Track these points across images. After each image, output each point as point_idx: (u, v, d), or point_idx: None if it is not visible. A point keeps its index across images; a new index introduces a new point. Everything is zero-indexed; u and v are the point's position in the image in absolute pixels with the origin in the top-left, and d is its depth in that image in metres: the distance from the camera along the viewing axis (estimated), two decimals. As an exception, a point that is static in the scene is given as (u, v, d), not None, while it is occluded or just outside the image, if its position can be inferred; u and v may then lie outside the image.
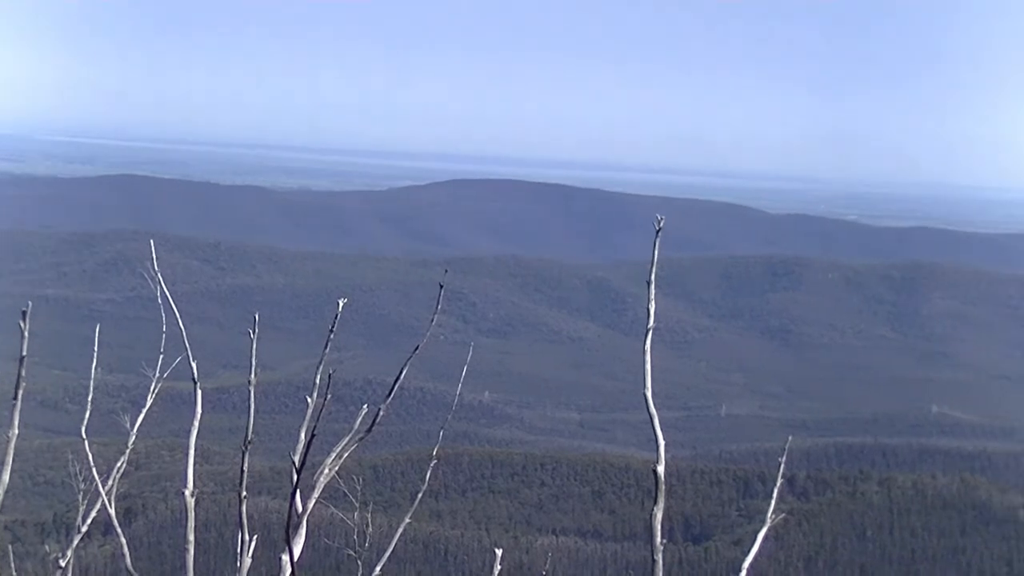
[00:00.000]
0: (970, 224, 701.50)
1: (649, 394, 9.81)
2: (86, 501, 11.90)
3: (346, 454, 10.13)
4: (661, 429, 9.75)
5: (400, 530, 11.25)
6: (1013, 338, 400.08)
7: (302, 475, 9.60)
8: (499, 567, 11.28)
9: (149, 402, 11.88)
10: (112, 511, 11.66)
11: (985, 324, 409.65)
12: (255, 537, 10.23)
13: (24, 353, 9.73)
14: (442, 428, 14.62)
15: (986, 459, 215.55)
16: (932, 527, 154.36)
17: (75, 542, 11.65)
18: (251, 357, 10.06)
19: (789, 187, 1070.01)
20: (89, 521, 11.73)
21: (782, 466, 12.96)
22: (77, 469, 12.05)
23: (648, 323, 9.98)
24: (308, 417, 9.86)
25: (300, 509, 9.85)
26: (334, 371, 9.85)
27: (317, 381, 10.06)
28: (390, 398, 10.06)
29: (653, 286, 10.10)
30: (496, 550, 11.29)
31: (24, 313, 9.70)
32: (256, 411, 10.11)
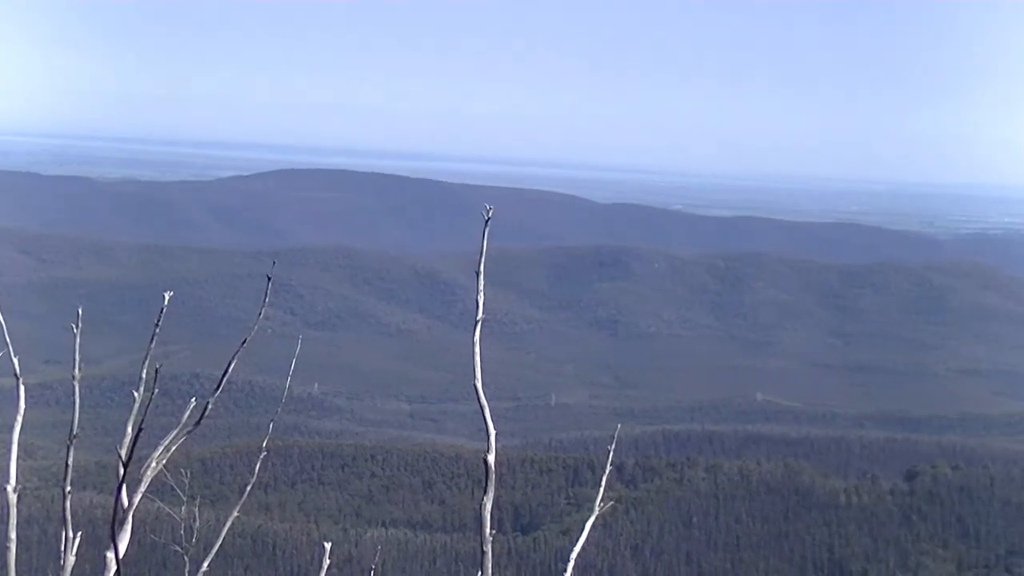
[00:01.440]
0: (793, 213, 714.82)
1: (479, 385, 9.82)
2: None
3: (173, 448, 9.99)
4: (491, 419, 9.77)
5: (228, 524, 11.12)
6: (833, 326, 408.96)
7: (128, 469, 9.45)
8: (328, 560, 11.21)
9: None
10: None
11: (807, 312, 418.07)
12: (79, 534, 10.03)
13: None
14: (271, 421, 14.52)
15: (809, 445, 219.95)
16: (757, 513, 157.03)
17: None
18: (75, 352, 9.87)
19: (617, 177, 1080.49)
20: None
21: (611, 454, 13.07)
22: None
23: (478, 314, 9.99)
24: (134, 411, 9.70)
25: (126, 504, 9.69)
26: (161, 365, 9.71)
27: (143, 375, 9.90)
28: (218, 392, 9.93)
29: (482, 277, 10.11)
30: (325, 543, 11.22)
31: None
32: (81, 406, 9.93)
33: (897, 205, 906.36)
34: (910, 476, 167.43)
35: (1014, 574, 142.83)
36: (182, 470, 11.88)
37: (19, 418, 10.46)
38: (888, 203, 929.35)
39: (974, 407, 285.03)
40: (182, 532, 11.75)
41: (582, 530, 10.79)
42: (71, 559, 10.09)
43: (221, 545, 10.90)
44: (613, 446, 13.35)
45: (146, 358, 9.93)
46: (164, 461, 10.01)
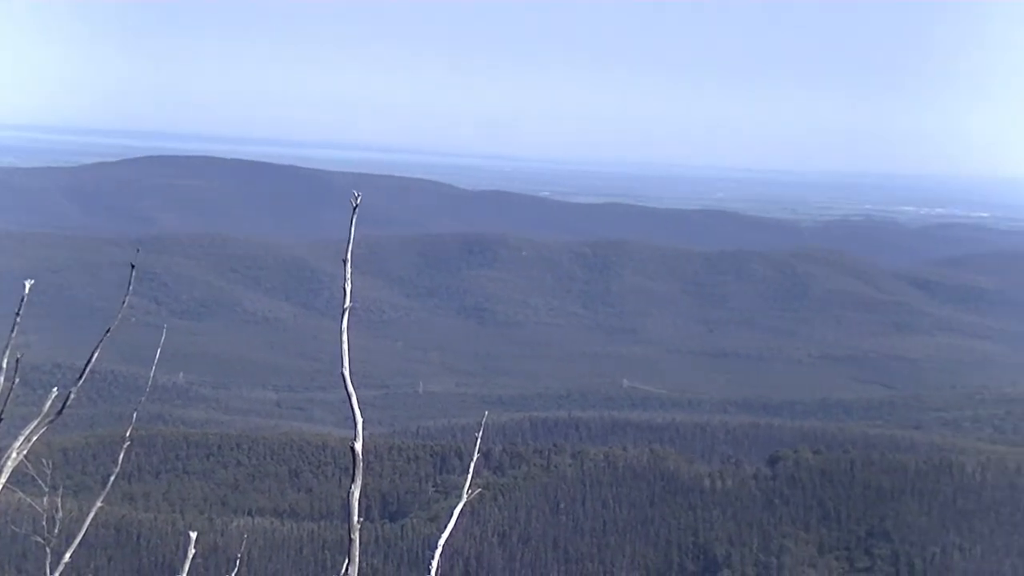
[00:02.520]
0: (659, 201, 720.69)
1: (347, 373, 9.81)
2: None
3: (35, 438, 9.86)
4: (359, 407, 9.76)
5: (91, 514, 11.00)
6: (697, 313, 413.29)
7: (-12, 461, 9.31)
8: (193, 550, 11.13)
9: None
10: None
11: (672, 299, 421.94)
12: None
13: None
14: (135, 410, 14.37)
15: (674, 430, 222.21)
16: (623, 498, 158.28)
17: None
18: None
19: (484, 164, 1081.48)
20: None
21: (478, 441, 13.12)
22: None
23: (345, 302, 9.98)
24: (-6, 401, 9.56)
25: (-14, 496, 9.55)
26: (22, 355, 9.58)
27: (4, 365, 9.76)
28: (81, 381, 9.82)
29: (349, 264, 10.09)
30: (190, 533, 11.14)
31: None
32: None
33: (760, 192, 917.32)
34: (772, 461, 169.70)
35: (874, 556, 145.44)
36: (44, 460, 11.69)
37: None
38: (752, 190, 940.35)
39: (834, 392, 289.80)
40: (44, 523, 11.57)
41: (450, 517, 10.82)
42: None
43: (84, 536, 10.79)
44: (480, 433, 13.42)
45: (6, 348, 9.79)
46: (25, 451, 9.88)
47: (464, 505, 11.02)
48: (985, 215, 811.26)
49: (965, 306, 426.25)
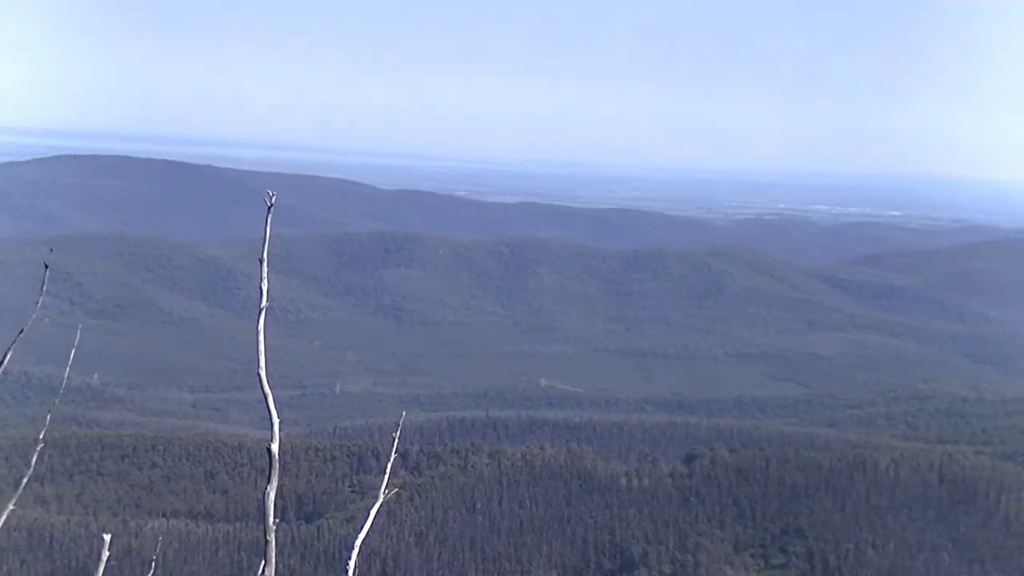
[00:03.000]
0: (575, 200, 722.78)
1: (263, 373, 9.77)
2: None
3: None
4: (275, 408, 9.73)
5: (2, 518, 10.88)
6: (614, 312, 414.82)
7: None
8: (107, 553, 11.04)
9: None
10: None
11: (589, 298, 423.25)
12: None
13: None
14: (48, 412, 14.22)
15: (591, 429, 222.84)
16: (540, 497, 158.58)
17: None
18: None
19: (400, 163, 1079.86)
20: None
21: (395, 441, 13.09)
22: None
23: (261, 302, 9.94)
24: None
25: None
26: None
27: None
28: (-8, 382, 9.73)
29: (266, 264, 10.06)
30: (104, 535, 11.04)
31: None
32: None
33: (676, 191, 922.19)
34: (689, 459, 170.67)
35: (789, 553, 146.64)
36: (-45, 464, 11.55)
37: None
38: (668, 190, 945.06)
39: (750, 390, 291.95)
40: (-45, 528, 11.42)
41: (366, 517, 10.80)
42: None
43: (-4, 540, 10.68)
44: (398, 433, 13.39)
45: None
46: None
47: (381, 505, 11.01)
48: (897, 214, 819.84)
49: (878, 303, 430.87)
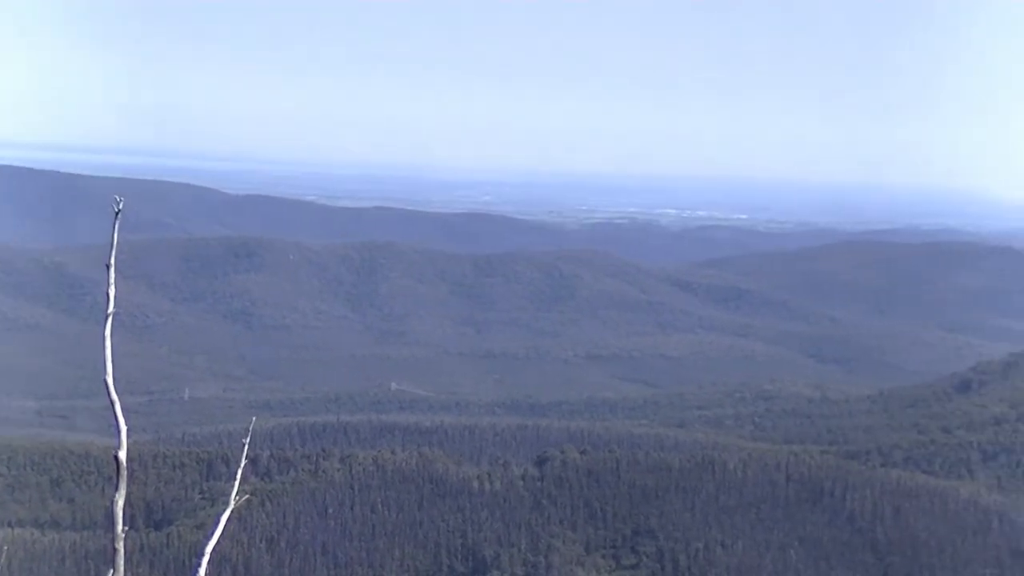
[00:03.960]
0: (426, 204, 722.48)
1: (110, 380, 9.69)
2: None
3: None
4: (123, 414, 9.65)
5: None
6: (465, 315, 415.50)
7: None
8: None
9: None
10: None
11: (440, 302, 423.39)
12: None
13: None
14: None
15: (443, 433, 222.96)
16: (392, 501, 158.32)
17: None
18: None
19: (247, 168, 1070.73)
20: None
21: (246, 447, 13.05)
22: None
23: (108, 308, 9.86)
24: None
25: None
26: None
27: None
28: None
29: (112, 270, 9.97)
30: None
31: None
32: None
33: (527, 195, 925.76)
34: (540, 461, 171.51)
35: (640, 553, 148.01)
36: None
37: None
38: (518, 193, 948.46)
39: (600, 392, 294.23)
40: None
41: (216, 524, 10.76)
42: None
43: None
44: (248, 439, 13.33)
45: None
46: None
47: (231, 512, 10.97)
48: (744, 217, 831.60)
49: (725, 305, 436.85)
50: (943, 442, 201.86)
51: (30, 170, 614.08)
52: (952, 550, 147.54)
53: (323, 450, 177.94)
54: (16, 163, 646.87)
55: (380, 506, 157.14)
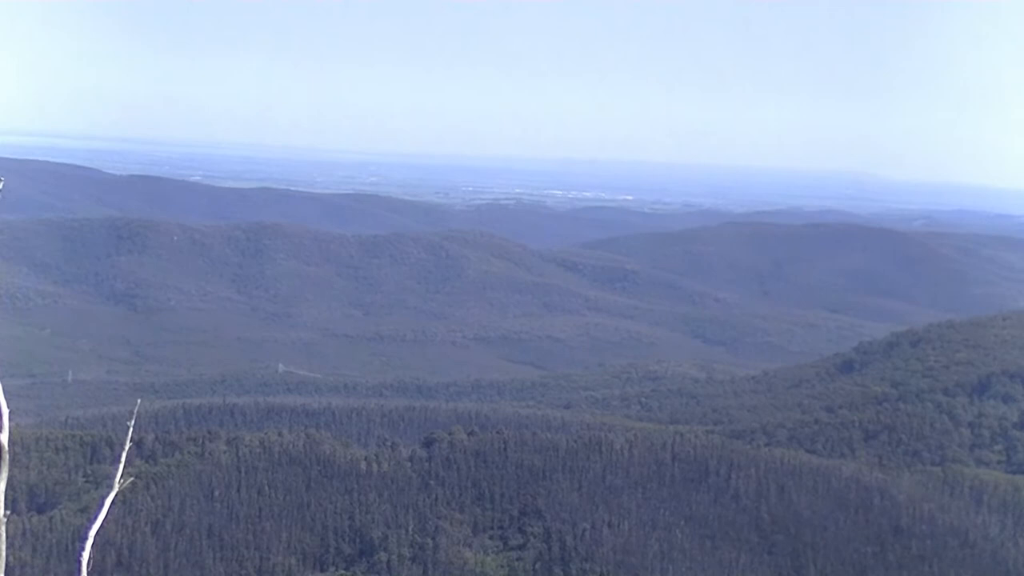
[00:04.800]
0: (311, 185, 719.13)
1: (-11, 362, 9.52)
2: None
3: None
4: (4, 397, 9.49)
5: None
6: (352, 297, 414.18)
7: None
8: None
9: None
10: None
11: (327, 283, 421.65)
12: None
13: None
14: None
15: (331, 415, 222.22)
16: (279, 483, 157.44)
17: None
18: None
19: (129, 148, 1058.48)
20: None
21: (130, 430, 12.89)
22: None
23: (-13, 289, 9.68)
24: None
25: None
26: None
27: None
28: None
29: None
30: None
31: None
32: None
33: (414, 176, 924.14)
34: (428, 443, 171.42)
35: (527, 534, 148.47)
36: None
37: None
38: (405, 175, 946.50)
39: (487, 373, 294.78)
40: None
41: (100, 507, 10.62)
42: None
43: None
44: (132, 422, 13.17)
45: None
46: None
47: (115, 495, 10.83)
48: (630, 198, 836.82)
49: (612, 286, 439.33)
50: (826, 421, 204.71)
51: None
52: (835, 528, 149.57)
53: (209, 432, 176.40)
54: None
55: (267, 488, 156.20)
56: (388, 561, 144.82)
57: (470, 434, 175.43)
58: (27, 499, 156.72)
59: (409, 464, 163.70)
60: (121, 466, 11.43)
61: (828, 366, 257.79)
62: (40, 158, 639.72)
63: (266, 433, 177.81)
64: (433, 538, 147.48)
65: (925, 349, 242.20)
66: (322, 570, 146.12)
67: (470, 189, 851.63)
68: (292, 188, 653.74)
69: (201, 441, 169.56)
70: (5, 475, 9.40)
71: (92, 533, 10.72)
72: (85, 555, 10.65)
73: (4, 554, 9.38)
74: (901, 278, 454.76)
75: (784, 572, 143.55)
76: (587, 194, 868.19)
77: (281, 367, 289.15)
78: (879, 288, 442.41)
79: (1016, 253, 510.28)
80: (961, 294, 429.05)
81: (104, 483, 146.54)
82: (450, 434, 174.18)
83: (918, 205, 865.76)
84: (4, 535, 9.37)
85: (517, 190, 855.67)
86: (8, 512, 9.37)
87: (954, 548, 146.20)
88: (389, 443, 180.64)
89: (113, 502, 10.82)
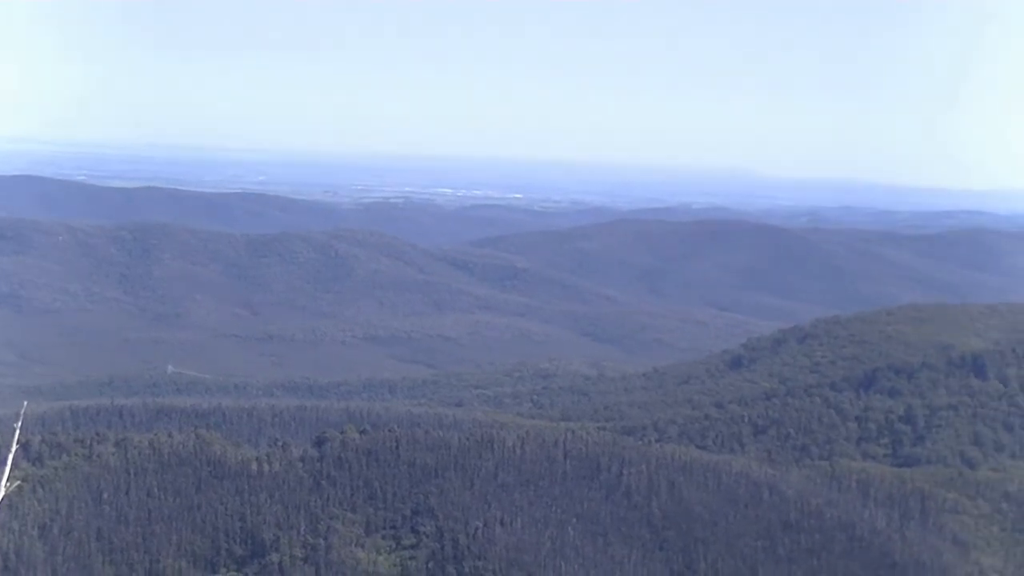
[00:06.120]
0: (198, 184, 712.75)
1: None
2: None
3: None
4: None
5: None
6: (241, 297, 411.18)
7: None
8: None
9: None
10: None
11: (215, 284, 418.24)
12: None
13: None
14: None
15: (221, 415, 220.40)
16: (168, 485, 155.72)
17: None
18: None
19: (10, 148, 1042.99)
20: None
21: (17, 432, 12.57)
22: None
23: None
24: None
25: None
26: None
27: None
28: None
29: None
30: None
31: None
32: None
33: (302, 176, 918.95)
34: (319, 442, 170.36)
35: (420, 533, 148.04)
36: None
37: None
38: (293, 174, 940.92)
39: (379, 372, 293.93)
40: None
41: (-12, 512, 10.29)
42: None
43: None
44: (19, 424, 12.87)
45: None
46: None
47: (2, 499, 10.51)
48: (519, 196, 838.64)
49: (502, 285, 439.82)
50: (716, 417, 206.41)
51: None
52: (725, 523, 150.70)
53: (97, 434, 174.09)
54: None
55: (157, 490, 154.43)
56: (280, 562, 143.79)
57: (362, 433, 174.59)
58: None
59: (300, 464, 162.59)
60: (7, 469, 11.12)
61: (717, 362, 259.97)
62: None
63: (155, 434, 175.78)
64: (325, 538, 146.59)
65: (812, 345, 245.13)
66: (213, 572, 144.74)
67: (359, 188, 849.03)
68: (179, 187, 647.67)
69: (89, 443, 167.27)
70: None
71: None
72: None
73: None
74: (788, 275, 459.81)
75: (675, 567, 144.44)
76: (476, 192, 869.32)
77: (170, 368, 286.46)
78: (766, 285, 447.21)
79: (900, 249, 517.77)
80: (847, 290, 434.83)
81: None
82: (342, 433, 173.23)
83: (803, 202, 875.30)
84: None
85: (407, 188, 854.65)
86: None
87: (842, 542, 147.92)
88: (280, 443, 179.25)
89: (0, 506, 10.49)
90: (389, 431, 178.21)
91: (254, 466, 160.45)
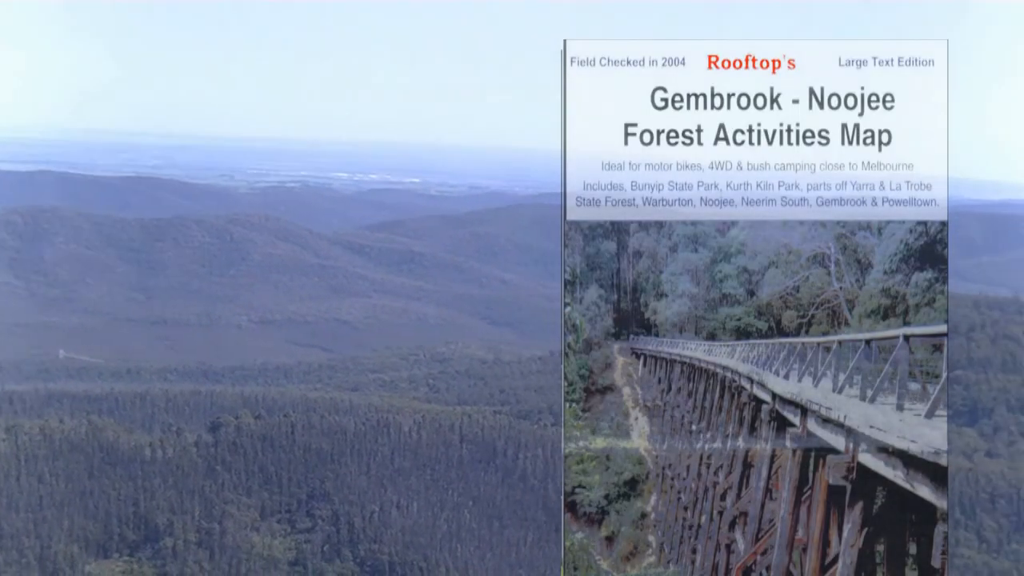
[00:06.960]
0: (90, 167, 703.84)
1: None
2: None
3: None
4: None
5: None
6: (135, 281, 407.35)
7: None
8: None
9: None
10: None
11: (108, 268, 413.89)
12: None
13: None
14: None
15: (114, 400, 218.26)
16: (60, 471, 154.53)
17: None
18: None
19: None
20: None
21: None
22: None
23: None
24: None
25: None
26: None
27: None
28: None
29: None
30: None
31: None
32: None
33: (196, 159, 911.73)
34: (214, 427, 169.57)
35: (315, 517, 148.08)
36: None
37: None
38: (187, 157, 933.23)
39: (274, 357, 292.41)
40: None
41: None
42: None
43: None
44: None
45: None
46: None
47: None
48: (416, 180, 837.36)
49: (398, 269, 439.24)
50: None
51: None
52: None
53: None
54: None
55: (48, 476, 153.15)
56: (174, 547, 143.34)
57: (257, 418, 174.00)
58: None
59: (195, 449, 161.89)
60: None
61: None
62: None
63: (46, 420, 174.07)
64: (220, 523, 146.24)
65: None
66: (106, 557, 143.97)
67: (255, 171, 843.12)
68: (71, 171, 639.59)
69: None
70: None
71: None
72: None
73: None
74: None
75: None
76: (373, 176, 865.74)
77: (62, 353, 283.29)
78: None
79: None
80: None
81: None
82: (236, 418, 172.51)
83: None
84: None
85: (302, 172, 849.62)
86: None
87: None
88: (174, 428, 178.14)
89: None
90: (284, 416, 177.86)
91: (148, 451, 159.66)
